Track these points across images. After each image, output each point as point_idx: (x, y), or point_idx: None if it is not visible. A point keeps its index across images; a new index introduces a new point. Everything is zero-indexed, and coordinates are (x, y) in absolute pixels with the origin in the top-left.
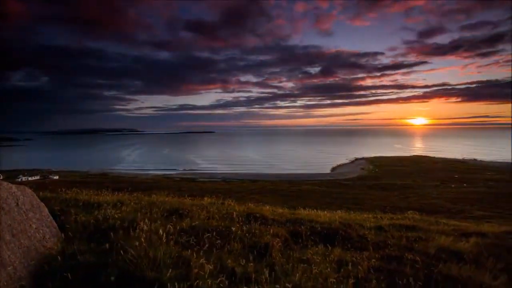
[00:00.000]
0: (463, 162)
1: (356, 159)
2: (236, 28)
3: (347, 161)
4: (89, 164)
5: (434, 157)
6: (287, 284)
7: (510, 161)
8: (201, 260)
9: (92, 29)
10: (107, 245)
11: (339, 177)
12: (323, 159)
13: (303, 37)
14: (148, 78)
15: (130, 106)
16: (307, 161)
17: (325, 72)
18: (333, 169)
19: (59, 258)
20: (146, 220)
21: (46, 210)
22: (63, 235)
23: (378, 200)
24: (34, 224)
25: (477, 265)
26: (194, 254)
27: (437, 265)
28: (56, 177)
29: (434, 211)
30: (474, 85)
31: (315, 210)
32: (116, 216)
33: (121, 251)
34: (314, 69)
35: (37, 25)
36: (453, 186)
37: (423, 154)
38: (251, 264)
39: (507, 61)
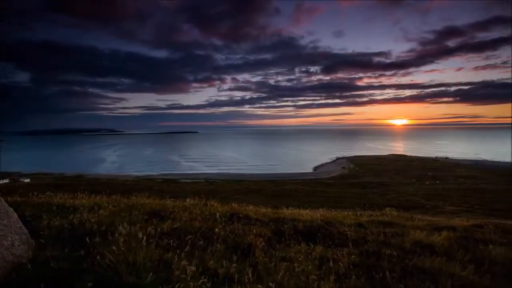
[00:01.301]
0: (436, 160)
1: (338, 158)
2: (234, 20)
3: (329, 161)
4: (64, 166)
5: (410, 156)
6: (270, 283)
7: (478, 158)
8: (183, 262)
9: (80, 21)
10: (82, 251)
11: (321, 176)
12: (306, 159)
13: (299, 36)
14: (138, 75)
15: (115, 105)
16: (291, 161)
17: (318, 72)
18: (316, 168)
19: (29, 266)
20: (125, 224)
21: (15, 215)
22: (34, 241)
23: (358, 197)
24: (1, 231)
25: (448, 257)
26: (176, 257)
27: (412, 259)
28: (28, 180)
29: (410, 207)
30: (452, 88)
31: (298, 209)
32: (93, 220)
33: (98, 257)
34: (301, 68)
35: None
36: (427, 183)
37: (400, 153)
38: (234, 264)
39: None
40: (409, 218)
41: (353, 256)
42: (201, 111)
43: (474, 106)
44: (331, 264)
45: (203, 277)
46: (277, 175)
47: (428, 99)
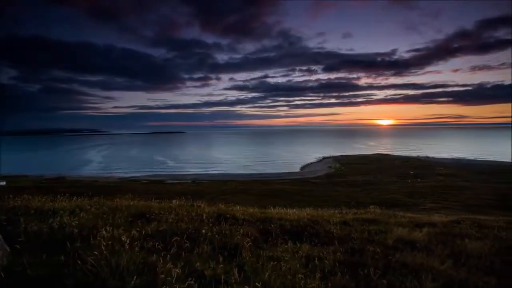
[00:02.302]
0: (417, 159)
1: (324, 158)
2: (239, 17)
3: (316, 160)
4: (43, 168)
5: (393, 155)
6: (256, 283)
7: (457, 157)
8: (168, 264)
9: (74, 15)
10: (62, 256)
11: (308, 176)
12: (293, 158)
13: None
14: (131, 73)
15: (102, 104)
16: (278, 160)
17: (310, 72)
18: (303, 168)
19: (3, 274)
20: (108, 227)
21: None
22: (10, 248)
23: (344, 196)
24: None
25: (428, 252)
26: (161, 259)
27: (395, 255)
28: (3, 183)
29: (393, 205)
30: (443, 89)
31: (285, 208)
32: (74, 224)
33: (79, 261)
34: (302, 68)
35: None
36: (409, 181)
37: (384, 152)
38: (221, 265)
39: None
40: (392, 215)
41: (338, 254)
42: (190, 110)
43: (461, 107)
44: (317, 262)
45: (189, 279)
46: (264, 175)
47: (423, 100)
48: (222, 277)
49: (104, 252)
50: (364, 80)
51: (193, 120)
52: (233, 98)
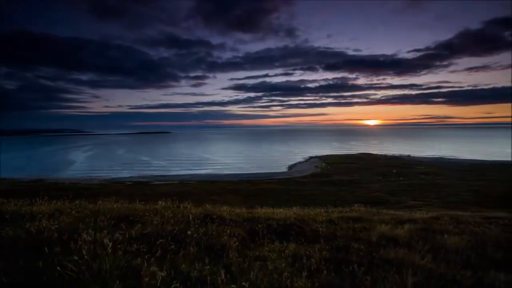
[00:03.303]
0: (400, 158)
1: (311, 158)
2: (243, 15)
3: (303, 160)
4: (21, 170)
5: (377, 154)
6: (243, 283)
7: (436, 156)
8: (153, 267)
9: (63, 8)
10: (40, 262)
11: (295, 175)
12: (281, 158)
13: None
14: (123, 71)
15: (86, 104)
16: (266, 160)
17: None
18: (290, 167)
19: None
20: (90, 230)
21: None
22: None
23: (330, 195)
24: None
25: (410, 247)
26: (145, 262)
27: (378, 251)
28: None
29: (376, 203)
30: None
31: (272, 208)
32: (53, 228)
33: (59, 267)
34: (303, 66)
35: None
36: (392, 179)
37: (368, 152)
38: (207, 266)
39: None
40: (375, 213)
41: (324, 252)
42: (181, 110)
43: (450, 108)
44: (303, 260)
45: (174, 282)
46: (252, 175)
47: (417, 100)
48: (208, 278)
49: (86, 256)
50: (361, 81)
51: (182, 120)
52: (228, 98)
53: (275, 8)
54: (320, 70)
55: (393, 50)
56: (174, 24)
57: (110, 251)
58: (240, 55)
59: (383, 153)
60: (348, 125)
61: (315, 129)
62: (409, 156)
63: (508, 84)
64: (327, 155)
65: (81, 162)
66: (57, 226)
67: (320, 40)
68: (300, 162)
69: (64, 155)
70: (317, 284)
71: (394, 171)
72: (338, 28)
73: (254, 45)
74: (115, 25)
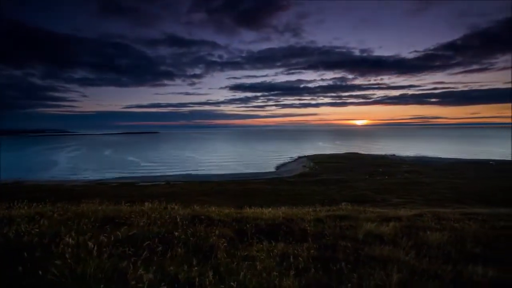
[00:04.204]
0: (385, 157)
1: (299, 157)
2: (247, 15)
3: (291, 160)
4: (0, 171)
5: (363, 154)
6: (231, 283)
7: (420, 155)
8: (140, 270)
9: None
10: (20, 268)
11: (283, 175)
12: (269, 158)
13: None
14: (118, 69)
15: (71, 103)
16: (254, 160)
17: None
18: (278, 167)
19: None
20: (73, 233)
21: None
22: None
23: (318, 194)
24: None
25: (395, 244)
26: (131, 265)
27: (364, 248)
28: None
29: (363, 201)
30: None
31: (261, 208)
32: (33, 232)
33: (40, 272)
34: (304, 66)
35: None
36: (378, 178)
37: (355, 151)
38: (195, 268)
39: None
40: (362, 211)
41: (312, 251)
42: (170, 109)
43: (439, 108)
44: (291, 259)
45: (162, 284)
46: (240, 175)
47: (411, 101)
48: (197, 279)
49: (69, 260)
50: (359, 81)
51: (172, 120)
52: (223, 98)
53: (281, 8)
54: (321, 70)
55: (395, 51)
56: (177, 21)
57: (95, 254)
58: (243, 54)
59: (370, 153)
60: (340, 125)
61: (306, 129)
62: (393, 155)
63: (498, 86)
64: (315, 155)
65: (63, 164)
66: (37, 230)
67: (323, 41)
68: (288, 162)
69: (47, 156)
70: (305, 282)
71: (380, 170)
72: (343, 29)
73: (258, 45)
74: (118, 22)
